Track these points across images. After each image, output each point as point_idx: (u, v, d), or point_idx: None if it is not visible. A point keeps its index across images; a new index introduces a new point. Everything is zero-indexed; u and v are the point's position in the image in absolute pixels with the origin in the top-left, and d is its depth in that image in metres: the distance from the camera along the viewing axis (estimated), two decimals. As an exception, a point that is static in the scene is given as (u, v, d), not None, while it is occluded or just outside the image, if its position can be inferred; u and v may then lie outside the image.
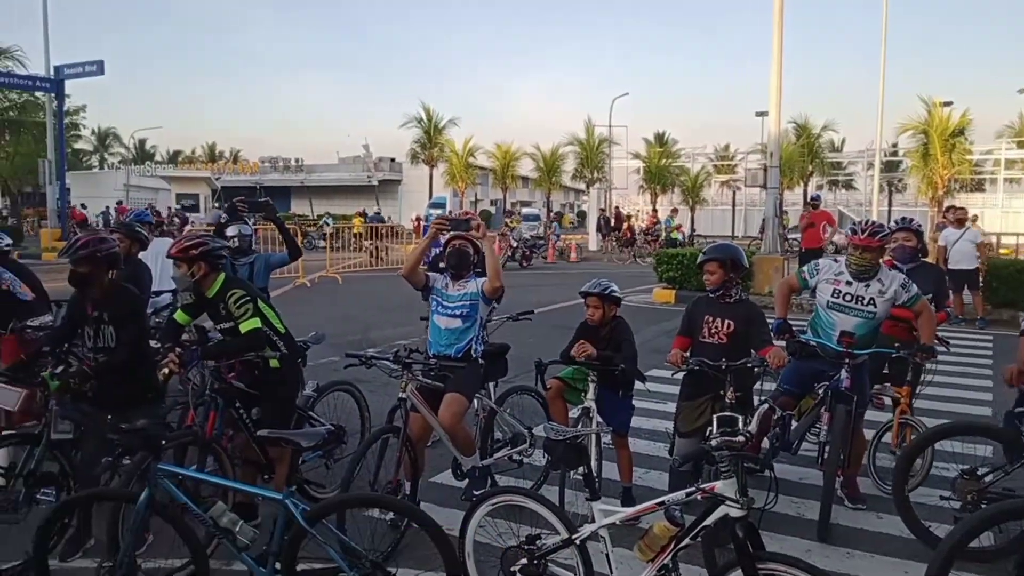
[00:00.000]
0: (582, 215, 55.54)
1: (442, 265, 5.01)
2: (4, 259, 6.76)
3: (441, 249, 5.28)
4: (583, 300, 4.89)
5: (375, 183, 49.55)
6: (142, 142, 79.65)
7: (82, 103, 51.72)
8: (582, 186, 54.84)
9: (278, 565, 3.37)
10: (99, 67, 25.20)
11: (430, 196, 47.11)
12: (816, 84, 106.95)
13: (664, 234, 28.25)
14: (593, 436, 4.48)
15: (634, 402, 5.00)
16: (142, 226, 8.34)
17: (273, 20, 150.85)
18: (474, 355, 4.73)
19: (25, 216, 44.47)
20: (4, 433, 4.24)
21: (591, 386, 4.70)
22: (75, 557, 4.13)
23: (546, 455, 3.98)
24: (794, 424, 5.13)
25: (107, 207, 41.94)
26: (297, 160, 56.92)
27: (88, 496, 3.65)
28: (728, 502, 2.86)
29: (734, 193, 49.76)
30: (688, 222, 39.28)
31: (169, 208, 42.28)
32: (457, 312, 4.71)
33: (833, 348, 4.79)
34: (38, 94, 31.73)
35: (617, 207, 38.27)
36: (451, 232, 4.75)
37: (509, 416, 5.13)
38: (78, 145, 65.66)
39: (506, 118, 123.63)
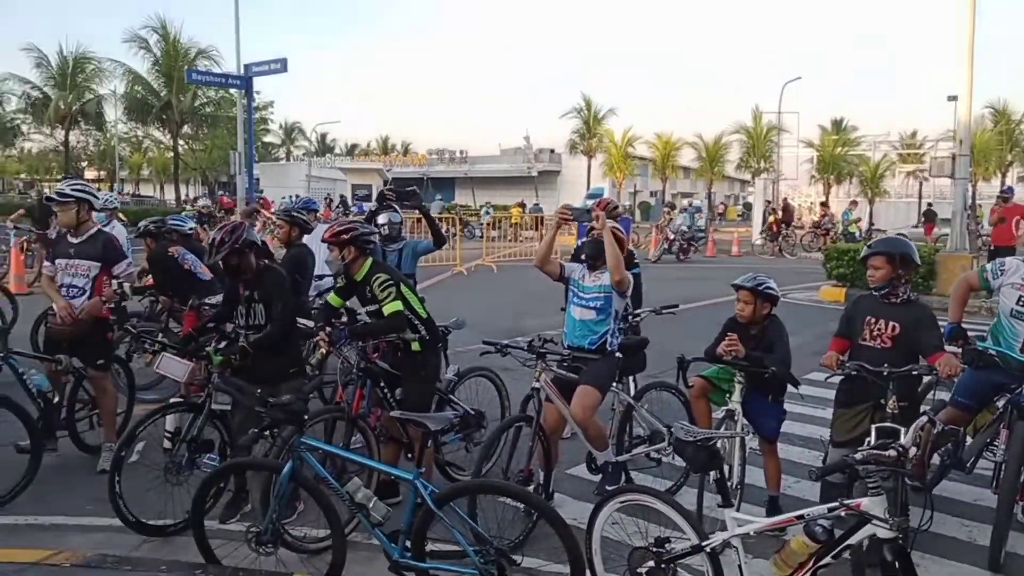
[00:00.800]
0: (747, 207, 53.31)
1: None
2: (188, 242, 7.42)
3: (583, 239, 5.20)
4: (734, 294, 4.64)
5: (534, 174, 50.09)
6: (323, 135, 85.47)
7: (270, 99, 56.09)
8: (747, 176, 52.65)
9: (408, 543, 3.45)
10: (283, 64, 27.01)
11: (588, 187, 46.96)
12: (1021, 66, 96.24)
13: (841, 227, 26.38)
14: (737, 440, 4.25)
15: (788, 407, 4.69)
16: (308, 213, 8.90)
17: (439, 13, 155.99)
18: (609, 348, 4.61)
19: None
20: (172, 401, 4.64)
21: (737, 387, 4.46)
22: (233, 520, 4.45)
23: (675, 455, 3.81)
24: (968, 440, 4.61)
25: (284, 196, 45.19)
26: (462, 152, 58.68)
27: (236, 465, 3.91)
28: (876, 521, 2.59)
29: (920, 184, 45.83)
30: (866, 215, 36.57)
31: (341, 196, 44.82)
32: (591, 304, 4.59)
33: (1017, 359, 4.24)
34: (232, 91, 34.58)
35: (785, 199, 36.29)
36: (573, 219, 4.63)
37: (647, 413, 4.97)
38: (267, 138, 71.43)
39: (667, 107, 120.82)
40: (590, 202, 15.21)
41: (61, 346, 5.33)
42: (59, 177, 61.36)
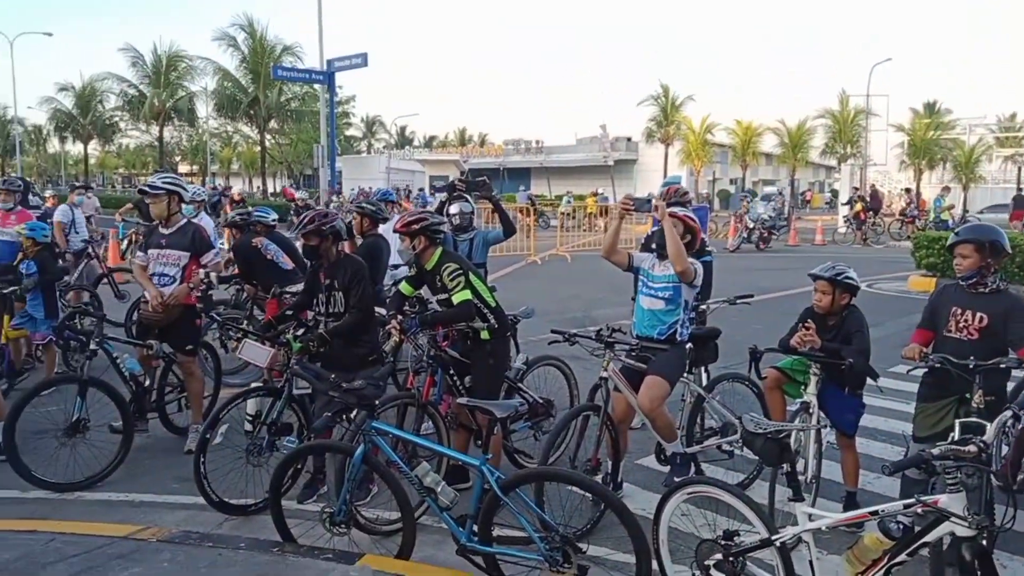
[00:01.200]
0: (834, 193, 51.44)
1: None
2: (271, 233, 7.68)
3: (654, 228, 5.12)
4: (813, 284, 4.50)
5: (611, 163, 49.54)
6: (403, 128, 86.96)
7: (352, 94, 57.29)
8: (833, 162, 50.80)
9: (475, 528, 3.49)
10: (363, 59, 27.57)
11: (664, 175, 46.21)
12: None
13: (932, 215, 25.14)
14: (811, 434, 4.12)
15: (870, 400, 4.52)
16: (387, 204, 9.05)
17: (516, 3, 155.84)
18: (679, 338, 4.54)
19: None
20: (253, 385, 4.83)
21: (813, 379, 4.32)
22: (310, 500, 4.60)
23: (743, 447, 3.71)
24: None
25: (353, 188, 46.14)
26: (538, 142, 58.62)
27: (311, 447, 4.04)
28: (954, 519, 2.47)
29: (1019, 170, 43.27)
30: (960, 202, 34.77)
31: (420, 189, 45.42)
32: (660, 294, 4.53)
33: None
34: (315, 86, 35.48)
35: (873, 185, 34.85)
36: (635, 209, 4.54)
37: (719, 404, 4.88)
38: (349, 132, 73.12)
39: (747, 93, 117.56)
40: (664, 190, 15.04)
41: (152, 332, 5.60)
42: (155, 171, 64.53)
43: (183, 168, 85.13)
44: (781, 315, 8.53)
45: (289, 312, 5.05)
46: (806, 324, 4.26)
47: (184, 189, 5.81)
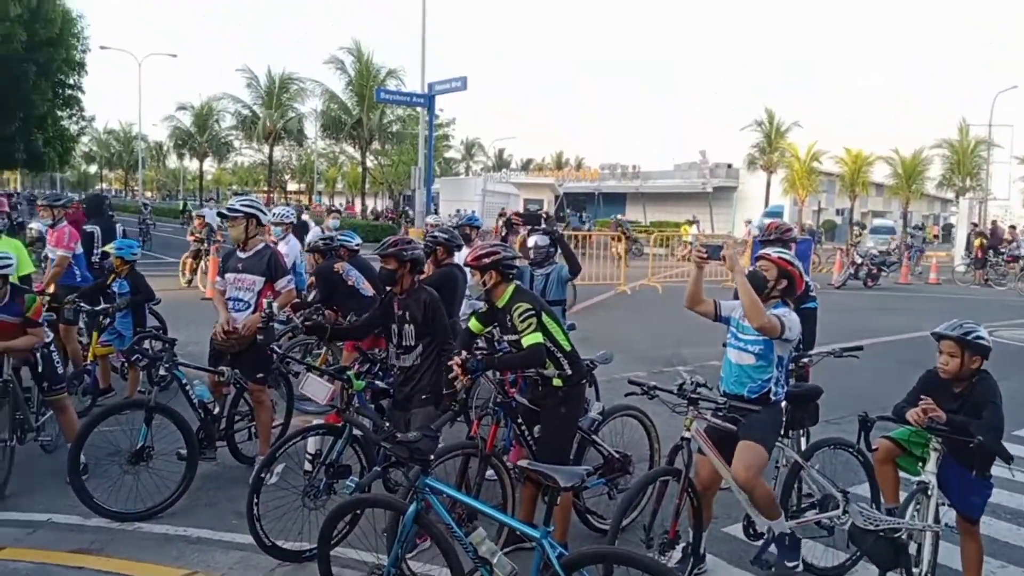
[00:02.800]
0: (948, 228, 48.37)
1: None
2: (354, 257, 7.56)
3: (749, 271, 4.61)
4: (936, 343, 3.91)
5: (709, 190, 48.30)
6: (500, 151, 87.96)
7: (452, 117, 58.30)
8: (950, 195, 47.90)
9: (533, 606, 3.10)
10: (463, 83, 27.81)
11: (766, 204, 44.67)
12: None
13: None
14: (928, 535, 3.52)
15: (995, 470, 3.87)
16: (471, 229, 8.81)
17: (618, 29, 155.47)
18: (773, 398, 4.01)
19: (403, 215, 51.49)
20: (314, 423, 4.60)
21: (933, 455, 3.74)
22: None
23: (850, 543, 3.18)
24: None
25: (457, 209, 46.57)
26: (634, 167, 57.95)
27: (361, 501, 3.75)
28: None
29: None
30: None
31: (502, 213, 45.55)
32: (750, 347, 4.02)
33: None
34: (416, 108, 36.17)
35: (995, 221, 32.44)
36: (708, 258, 4.04)
37: (819, 474, 4.30)
38: (448, 154, 74.34)
39: (857, 120, 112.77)
40: (767, 220, 14.24)
41: (224, 358, 5.50)
42: (265, 189, 67.62)
43: (292, 186, 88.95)
44: (894, 363, 7.74)
45: (349, 334, 4.84)
46: (925, 399, 3.67)
47: (263, 212, 5.69)
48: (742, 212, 45.49)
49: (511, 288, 4.36)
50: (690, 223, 30.78)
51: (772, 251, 4.20)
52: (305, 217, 15.28)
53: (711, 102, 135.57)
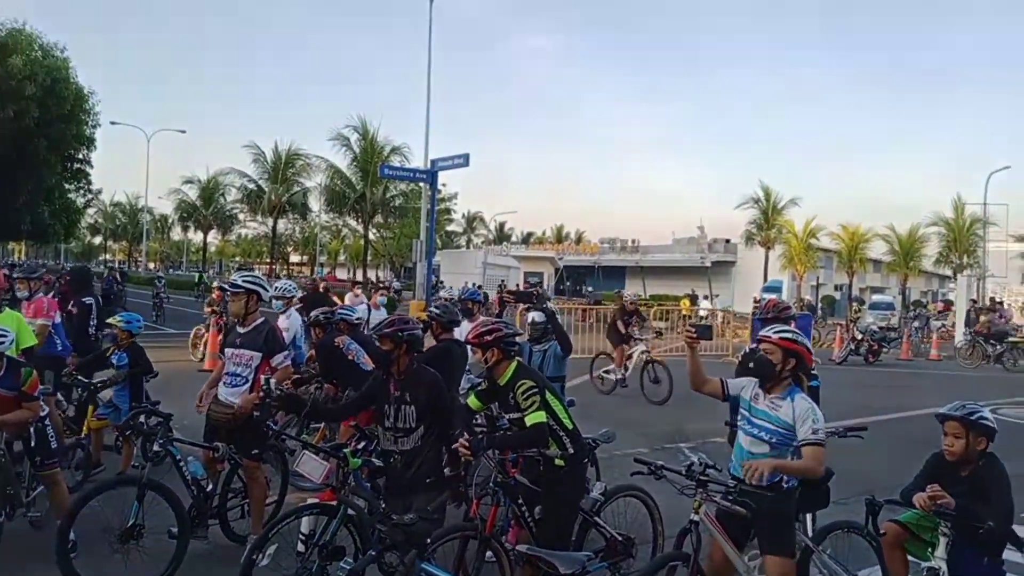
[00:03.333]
0: (947, 303, 48.47)
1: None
2: (355, 331, 7.53)
3: (750, 348, 4.59)
4: (940, 425, 3.85)
5: (707, 264, 48.63)
6: (501, 224, 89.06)
7: (455, 191, 59.17)
8: (948, 272, 48.22)
9: None
10: (465, 160, 28.22)
11: (764, 279, 44.89)
12: None
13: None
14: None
15: (1006, 554, 3.76)
16: (473, 304, 8.82)
17: (612, 105, 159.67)
18: (786, 485, 3.88)
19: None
20: (309, 502, 4.50)
21: (942, 540, 3.63)
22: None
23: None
24: None
25: (465, 282, 46.84)
26: (634, 241, 58.65)
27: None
28: None
29: None
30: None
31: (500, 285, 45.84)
32: (764, 436, 3.90)
33: None
34: (420, 183, 36.84)
35: (992, 298, 32.55)
36: (698, 337, 4.01)
37: (829, 559, 4.18)
38: (450, 227, 75.42)
39: (853, 197, 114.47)
40: (767, 295, 14.33)
41: (220, 433, 5.42)
42: (268, 260, 68.22)
43: (294, 258, 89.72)
44: (899, 442, 7.62)
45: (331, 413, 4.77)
46: (933, 487, 3.58)
47: (264, 288, 5.72)
48: (741, 286, 45.75)
49: (513, 365, 4.33)
50: (689, 297, 30.88)
51: (772, 332, 4.04)
52: (321, 288, 15.24)
53: (709, 177, 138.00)
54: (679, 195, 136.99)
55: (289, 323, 8.25)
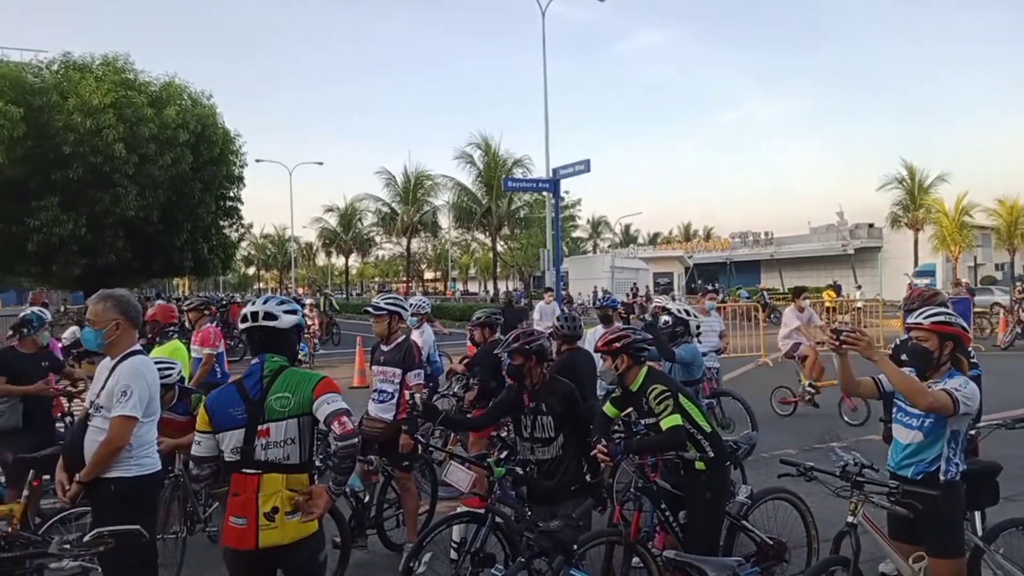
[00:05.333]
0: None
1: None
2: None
3: (901, 339, 4.34)
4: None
5: (850, 252, 46.10)
6: (627, 227, 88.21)
7: (578, 197, 59.24)
8: None
9: None
10: (586, 166, 28.28)
11: (915, 263, 41.96)
12: None
13: None
14: None
15: None
16: (613, 312, 8.76)
17: (732, 96, 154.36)
18: (943, 478, 3.63)
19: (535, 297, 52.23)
20: (459, 510, 4.65)
21: None
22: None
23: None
24: None
25: (595, 287, 46.77)
26: (767, 233, 56.51)
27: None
28: None
29: None
30: None
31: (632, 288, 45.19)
32: (916, 424, 3.69)
33: None
34: (544, 193, 37.17)
35: None
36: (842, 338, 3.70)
37: (1004, 559, 3.87)
38: (575, 234, 75.43)
39: (1009, 168, 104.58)
40: (918, 281, 13.38)
41: (373, 447, 5.70)
42: (404, 279, 70.95)
43: (428, 275, 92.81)
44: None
45: (495, 435, 4.88)
46: None
47: (404, 309, 5.98)
48: (889, 273, 43.01)
49: (644, 371, 4.32)
50: (833, 288, 29.34)
51: (922, 317, 3.79)
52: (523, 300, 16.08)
53: (843, 159, 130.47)
54: (812, 181, 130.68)
55: (423, 339, 8.49)
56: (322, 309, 26.64)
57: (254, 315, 3.37)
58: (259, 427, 3.21)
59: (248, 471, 3.20)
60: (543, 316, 14.42)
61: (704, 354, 7.61)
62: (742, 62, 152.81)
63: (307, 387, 3.27)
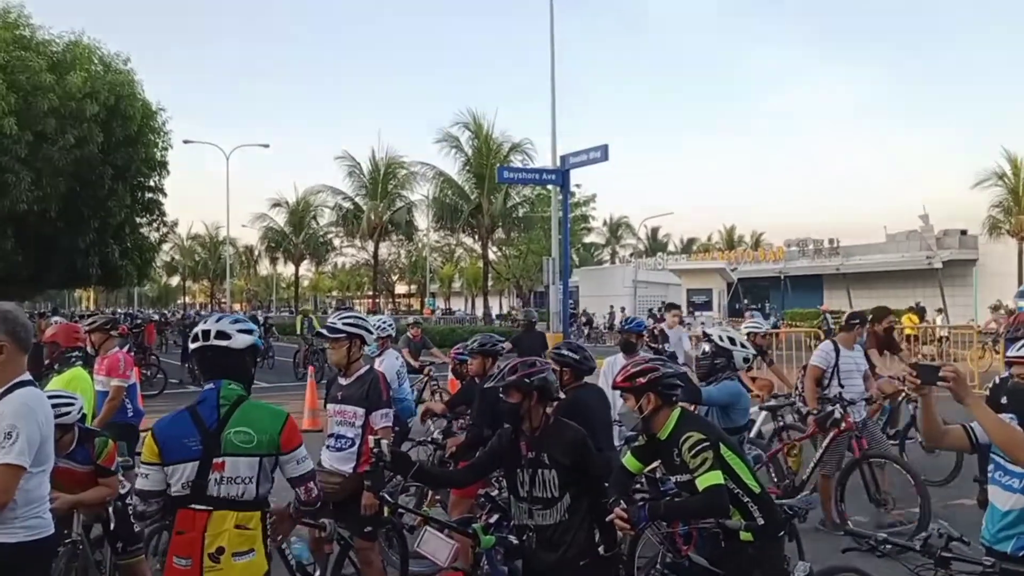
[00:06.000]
0: None
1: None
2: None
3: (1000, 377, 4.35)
4: None
5: (937, 265, 46.27)
6: (654, 231, 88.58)
7: (592, 193, 59.40)
8: None
9: None
10: (603, 153, 28.31)
11: (1019, 281, 42.08)
12: None
13: None
14: None
15: None
16: (637, 338, 8.76)
17: (806, 71, 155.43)
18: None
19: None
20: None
21: None
22: None
23: None
24: None
25: (611, 307, 46.81)
26: (831, 241, 56.70)
27: None
28: None
29: None
30: None
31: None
32: (1019, 485, 3.71)
33: None
34: (548, 187, 37.27)
35: None
36: (922, 383, 3.71)
37: None
38: (589, 239, 75.83)
39: None
40: (1023, 304, 13.36)
41: (327, 507, 5.66)
42: (370, 293, 70.75)
43: (400, 288, 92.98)
44: None
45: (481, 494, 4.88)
46: None
47: (368, 331, 5.95)
48: (987, 291, 43.11)
49: (676, 414, 4.33)
50: (915, 311, 29.39)
51: None
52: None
53: (927, 151, 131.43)
54: (887, 176, 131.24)
55: (385, 367, 8.30)
56: (301, 333, 26.41)
57: (205, 334, 3.77)
58: (215, 459, 3.59)
59: (197, 507, 3.58)
60: (674, 344, 12.52)
61: (849, 403, 7.62)
62: (798, 30, 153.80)
63: (273, 426, 3.73)
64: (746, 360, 6.37)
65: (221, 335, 3.75)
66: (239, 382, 3.80)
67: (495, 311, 62.41)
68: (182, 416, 3.71)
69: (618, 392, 4.57)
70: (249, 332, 3.85)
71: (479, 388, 7.15)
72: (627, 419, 6.28)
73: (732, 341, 6.23)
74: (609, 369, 7.52)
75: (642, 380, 4.28)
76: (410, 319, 17.46)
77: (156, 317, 46.08)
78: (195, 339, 3.80)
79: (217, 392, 3.72)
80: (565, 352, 6.07)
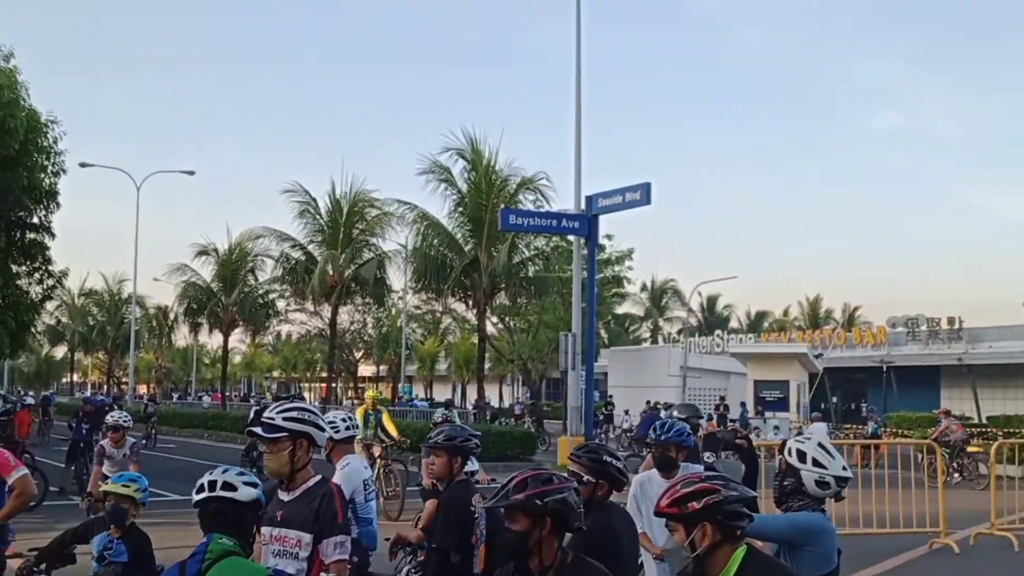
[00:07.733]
0: None
1: None
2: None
3: None
4: None
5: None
6: (711, 301, 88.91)
7: (629, 248, 59.61)
8: None
9: None
10: (643, 193, 28.33)
11: None
12: None
13: None
14: None
15: None
16: (676, 451, 8.75)
17: (918, 83, 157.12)
18: None
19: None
20: None
21: None
22: None
23: None
24: None
25: (648, 402, 46.39)
26: (951, 320, 56.72)
27: None
28: None
29: None
30: None
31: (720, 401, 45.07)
32: None
33: None
34: (570, 237, 37.05)
35: None
36: None
37: None
38: (622, 308, 75.98)
39: None
40: None
41: None
42: (323, 375, 70.41)
43: (365, 369, 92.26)
44: None
45: None
46: None
47: (320, 428, 5.90)
48: None
49: (740, 553, 4.30)
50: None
51: None
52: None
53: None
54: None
55: (343, 477, 8.26)
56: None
57: (212, 484, 4.76)
58: None
59: None
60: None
61: None
62: (901, 36, 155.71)
63: None
64: (822, 485, 5.90)
65: (227, 486, 4.75)
66: (236, 536, 4.73)
67: (494, 402, 62.11)
68: (173, 570, 4.69)
69: (661, 518, 4.51)
70: (254, 485, 4.85)
71: (444, 495, 7.13)
72: (673, 557, 6.20)
73: (802, 456, 5.86)
74: (641, 492, 7.41)
75: (696, 505, 4.24)
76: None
77: (30, 401, 45.97)
78: (200, 490, 4.80)
79: (206, 546, 4.62)
80: (606, 457, 6.03)
